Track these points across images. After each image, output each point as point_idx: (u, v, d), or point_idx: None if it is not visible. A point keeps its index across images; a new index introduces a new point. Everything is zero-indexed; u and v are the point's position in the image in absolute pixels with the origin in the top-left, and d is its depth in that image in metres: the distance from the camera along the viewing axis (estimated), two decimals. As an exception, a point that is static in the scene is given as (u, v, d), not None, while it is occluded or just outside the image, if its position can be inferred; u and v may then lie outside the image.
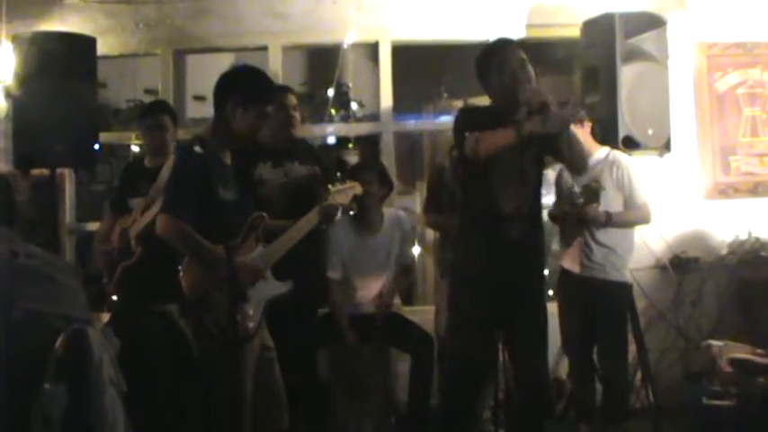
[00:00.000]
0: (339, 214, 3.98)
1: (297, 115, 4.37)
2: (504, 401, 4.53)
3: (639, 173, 4.40)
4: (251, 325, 3.24)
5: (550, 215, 4.46)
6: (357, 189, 3.89)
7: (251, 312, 3.25)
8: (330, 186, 3.84)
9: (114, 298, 4.41)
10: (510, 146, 3.38)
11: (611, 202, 4.23)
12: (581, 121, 4.26)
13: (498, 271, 3.49)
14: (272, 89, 3.49)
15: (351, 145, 6.46)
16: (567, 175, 4.44)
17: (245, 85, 3.33)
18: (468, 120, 3.69)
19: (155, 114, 4.56)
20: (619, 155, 4.40)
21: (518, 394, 3.76)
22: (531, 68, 3.53)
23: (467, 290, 3.61)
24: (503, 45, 3.64)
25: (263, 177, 4.20)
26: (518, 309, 3.55)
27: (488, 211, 3.54)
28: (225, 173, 3.33)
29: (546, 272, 5.43)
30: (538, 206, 3.68)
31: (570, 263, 4.39)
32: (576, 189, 4.22)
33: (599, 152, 4.41)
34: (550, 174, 4.64)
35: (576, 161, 3.65)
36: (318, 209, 3.69)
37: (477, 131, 3.48)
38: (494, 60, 3.57)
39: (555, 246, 4.69)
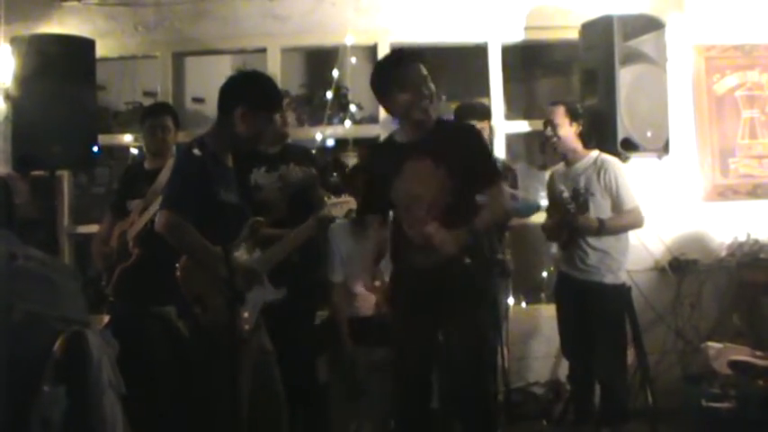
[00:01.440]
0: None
1: (288, 117, 4.38)
2: (504, 403, 4.54)
3: (628, 176, 4.39)
4: (247, 327, 3.25)
5: (543, 229, 4.47)
6: (351, 204, 3.94)
7: (246, 315, 3.25)
8: (326, 199, 3.89)
9: (112, 300, 4.40)
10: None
11: (600, 206, 4.24)
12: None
13: (422, 280, 3.50)
14: (280, 96, 3.49)
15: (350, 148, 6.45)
16: (557, 179, 4.44)
17: (253, 90, 3.32)
18: (376, 160, 3.74)
19: (157, 115, 4.56)
20: (607, 158, 4.39)
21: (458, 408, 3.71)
22: (432, 85, 3.49)
23: (396, 297, 3.67)
24: (403, 59, 3.53)
25: (259, 183, 4.20)
26: (450, 314, 3.51)
27: (400, 243, 3.61)
28: (226, 175, 3.33)
29: (543, 274, 5.48)
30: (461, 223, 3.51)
31: (566, 266, 4.39)
32: (566, 194, 4.21)
33: (588, 156, 4.41)
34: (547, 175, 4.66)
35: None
36: (315, 219, 3.70)
37: (383, 171, 3.57)
38: (394, 76, 3.49)
39: (554, 249, 4.70)
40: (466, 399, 3.55)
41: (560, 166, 4.51)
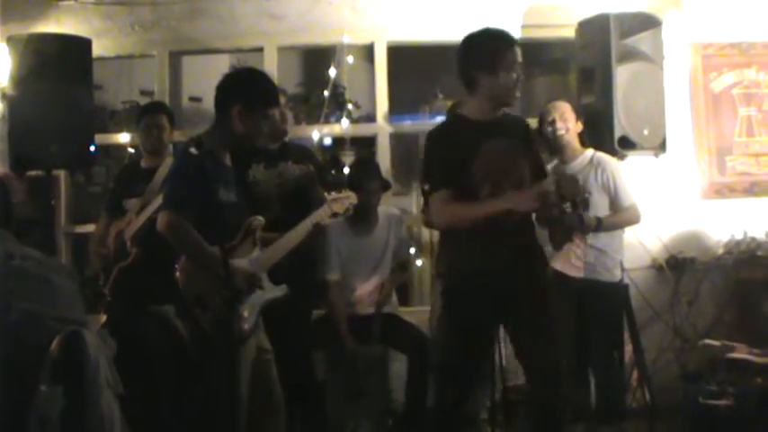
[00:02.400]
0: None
1: (287, 114, 4.39)
2: (501, 402, 4.53)
3: (624, 174, 4.40)
4: (246, 326, 3.25)
5: (537, 219, 4.45)
6: (353, 199, 3.97)
7: (246, 314, 3.25)
8: (327, 195, 3.90)
9: (110, 299, 4.40)
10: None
11: (597, 204, 4.24)
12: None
13: (495, 274, 3.36)
14: (276, 92, 3.49)
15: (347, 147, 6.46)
16: (549, 179, 4.44)
17: (249, 88, 3.33)
18: (445, 143, 3.50)
19: (153, 114, 4.57)
20: (603, 156, 4.41)
21: (533, 389, 3.53)
22: None
23: (463, 293, 3.48)
24: (511, 40, 3.45)
25: (257, 178, 4.21)
26: (520, 307, 3.41)
27: (478, 222, 3.37)
28: (225, 174, 3.34)
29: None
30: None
31: (562, 265, 4.39)
32: None
33: (583, 154, 4.41)
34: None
35: None
36: (315, 224, 3.72)
37: (460, 146, 3.40)
38: (506, 55, 3.40)
39: (548, 247, 4.68)
40: (554, 407, 3.44)
41: (555, 165, 4.52)
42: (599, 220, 4.19)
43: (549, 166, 4.60)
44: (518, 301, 3.41)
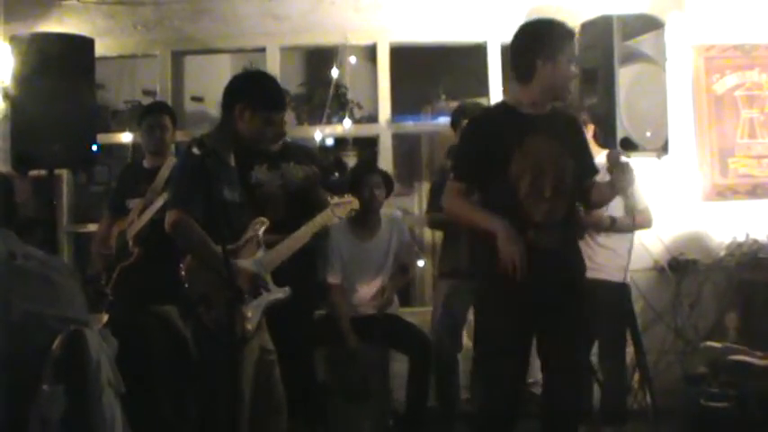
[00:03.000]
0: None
1: (287, 116, 4.41)
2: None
3: (639, 177, 4.40)
4: (249, 327, 3.25)
5: None
6: (354, 204, 4.00)
7: (249, 314, 3.26)
8: (330, 199, 3.91)
9: (112, 299, 4.40)
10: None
11: (612, 205, 4.24)
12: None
13: (531, 278, 3.16)
14: (282, 97, 3.50)
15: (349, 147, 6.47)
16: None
17: (254, 89, 3.34)
18: (485, 133, 3.39)
19: (155, 114, 4.57)
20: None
21: (550, 389, 3.44)
22: None
23: (499, 298, 3.32)
24: (574, 35, 3.39)
25: (260, 179, 4.21)
26: (551, 308, 3.27)
27: (515, 219, 3.23)
28: (228, 174, 3.34)
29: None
30: (574, 209, 3.46)
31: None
32: None
33: (599, 156, 4.40)
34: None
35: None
36: (319, 227, 3.73)
37: (502, 137, 3.30)
38: (567, 46, 3.35)
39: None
40: (569, 414, 3.39)
41: (609, 153, 4.50)
42: (613, 219, 4.21)
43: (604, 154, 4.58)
44: (551, 303, 3.29)
